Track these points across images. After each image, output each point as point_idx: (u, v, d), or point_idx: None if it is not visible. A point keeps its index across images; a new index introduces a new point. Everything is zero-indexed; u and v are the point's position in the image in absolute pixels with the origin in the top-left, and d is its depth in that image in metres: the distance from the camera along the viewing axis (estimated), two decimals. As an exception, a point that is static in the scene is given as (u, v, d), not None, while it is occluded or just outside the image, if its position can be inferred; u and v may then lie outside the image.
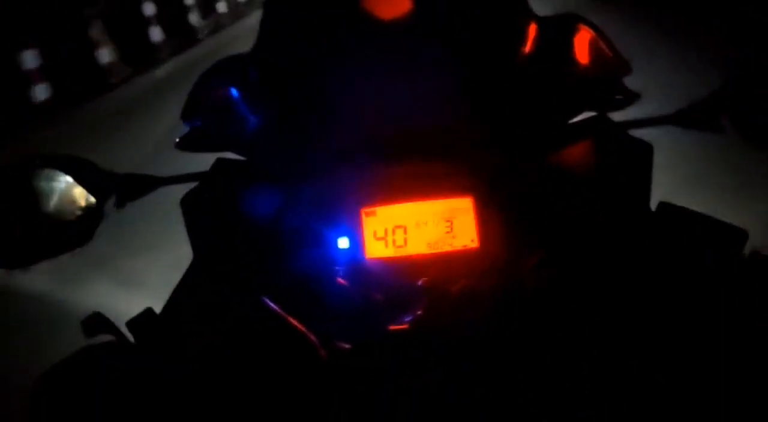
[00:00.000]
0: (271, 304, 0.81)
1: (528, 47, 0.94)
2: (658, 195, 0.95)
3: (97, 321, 0.83)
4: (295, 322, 0.79)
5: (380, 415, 0.75)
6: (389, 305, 0.82)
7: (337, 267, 0.87)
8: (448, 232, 0.88)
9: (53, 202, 0.92)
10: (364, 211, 0.88)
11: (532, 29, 0.95)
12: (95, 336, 0.83)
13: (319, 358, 0.76)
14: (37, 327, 2.34)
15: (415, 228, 0.88)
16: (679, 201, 0.90)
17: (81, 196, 0.94)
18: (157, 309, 0.87)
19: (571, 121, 0.97)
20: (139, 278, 2.39)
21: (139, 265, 2.54)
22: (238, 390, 0.75)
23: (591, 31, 0.96)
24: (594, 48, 0.96)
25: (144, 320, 0.84)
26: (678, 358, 0.78)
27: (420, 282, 0.80)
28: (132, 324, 0.84)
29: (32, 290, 2.46)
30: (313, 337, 0.76)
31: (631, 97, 0.96)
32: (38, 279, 2.45)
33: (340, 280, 0.85)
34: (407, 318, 0.78)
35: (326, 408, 0.75)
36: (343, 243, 0.88)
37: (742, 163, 1.95)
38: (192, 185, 1.00)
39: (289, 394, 0.76)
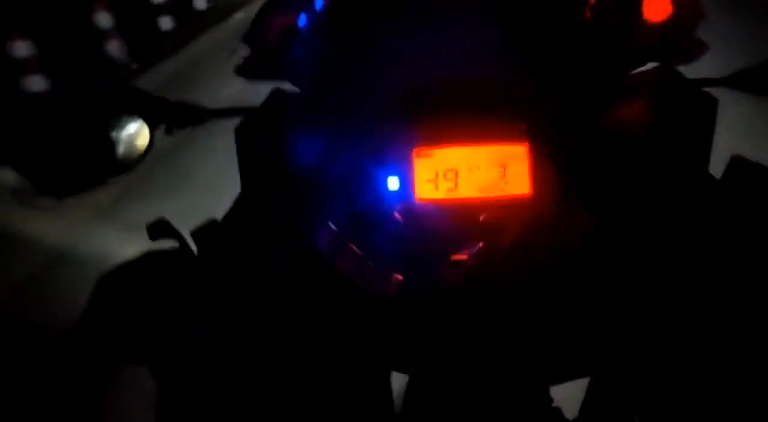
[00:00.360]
0: (324, 242, 0.80)
1: None
2: (719, 152, 0.92)
3: (162, 227, 0.83)
4: (345, 264, 0.79)
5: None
6: (442, 245, 0.81)
7: (388, 208, 0.85)
8: (501, 178, 0.86)
9: (105, 129, 0.92)
10: (415, 151, 0.86)
11: None
12: (158, 239, 0.83)
13: (367, 302, 0.76)
14: (43, 276, 2.34)
15: (467, 171, 0.86)
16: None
17: (131, 121, 0.94)
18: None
19: (634, 72, 0.94)
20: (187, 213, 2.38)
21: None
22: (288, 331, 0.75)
23: None
24: None
25: (208, 230, 0.84)
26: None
27: (474, 224, 0.79)
28: (196, 234, 0.83)
29: (39, 240, 2.46)
30: (366, 271, 0.75)
31: (700, 49, 0.92)
32: (44, 229, 2.44)
33: (392, 218, 0.84)
34: (460, 264, 0.77)
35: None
36: (393, 183, 0.86)
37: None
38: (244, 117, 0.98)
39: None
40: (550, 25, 0.90)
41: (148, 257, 0.81)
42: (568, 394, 0.87)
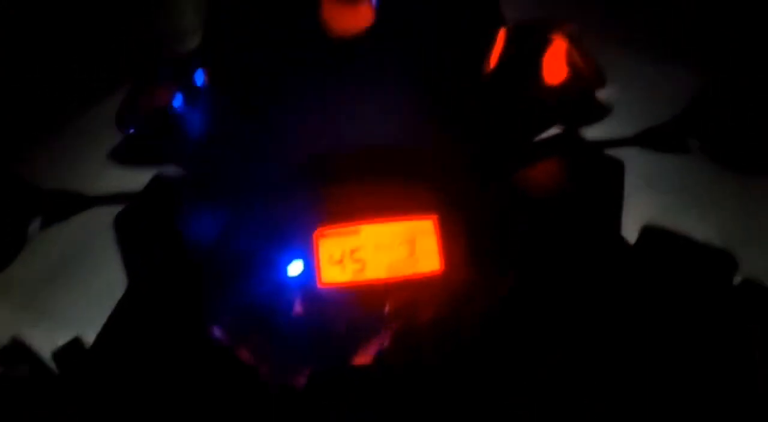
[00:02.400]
0: (219, 334, 0.73)
1: (494, 57, 0.89)
2: (630, 214, 0.91)
3: (15, 350, 0.74)
4: (244, 354, 0.72)
5: None
6: (351, 336, 0.75)
7: (290, 295, 0.79)
8: (410, 255, 0.81)
9: None
10: (318, 231, 0.80)
11: (501, 38, 0.90)
12: (13, 366, 0.74)
13: (270, 395, 0.69)
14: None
15: (374, 250, 0.81)
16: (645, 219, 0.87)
17: (3, 214, 0.85)
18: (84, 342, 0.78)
19: (539, 137, 0.92)
20: (64, 309, 2.20)
21: (65, 294, 2.34)
22: None
23: (566, 38, 0.91)
24: (568, 58, 0.91)
25: (71, 351, 0.76)
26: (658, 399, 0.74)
27: (384, 310, 0.73)
28: (57, 355, 0.75)
29: None
30: (264, 369, 0.68)
31: (602, 112, 0.91)
32: None
33: (293, 309, 0.77)
34: (371, 351, 0.71)
35: None
36: (296, 268, 0.80)
37: (712, 182, 1.94)
38: (126, 205, 0.90)
39: None
40: (451, 92, 0.88)
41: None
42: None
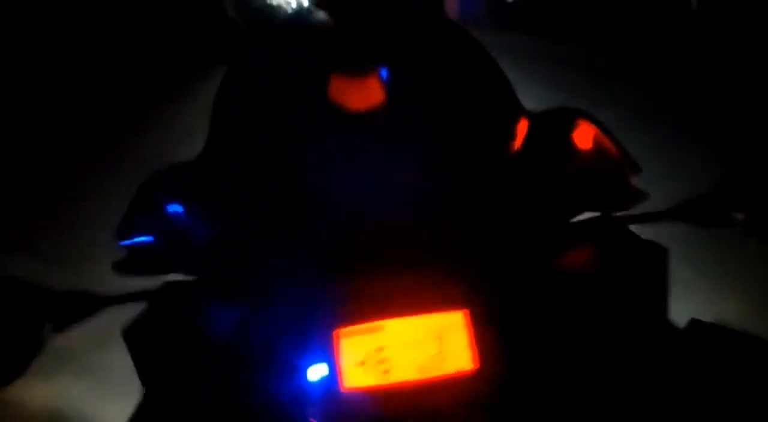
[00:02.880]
0: None
1: (518, 141, 0.86)
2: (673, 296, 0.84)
3: None
4: None
5: None
6: None
7: (309, 403, 0.72)
8: (438, 353, 0.75)
9: None
10: (339, 331, 0.74)
11: (523, 125, 0.88)
12: None
13: None
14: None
15: (399, 349, 0.75)
16: (692, 300, 0.81)
17: (16, 323, 0.82)
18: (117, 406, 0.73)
19: (573, 222, 0.87)
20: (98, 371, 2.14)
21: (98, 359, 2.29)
22: None
23: (592, 125, 0.88)
24: (596, 144, 0.88)
25: None
26: None
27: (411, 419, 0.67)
28: None
29: None
30: None
31: (638, 197, 0.87)
32: None
33: (315, 415, 0.71)
34: None
35: None
36: (316, 372, 0.74)
37: (756, 259, 1.85)
38: (136, 307, 0.86)
39: None
40: (474, 173, 0.85)
41: None
42: None
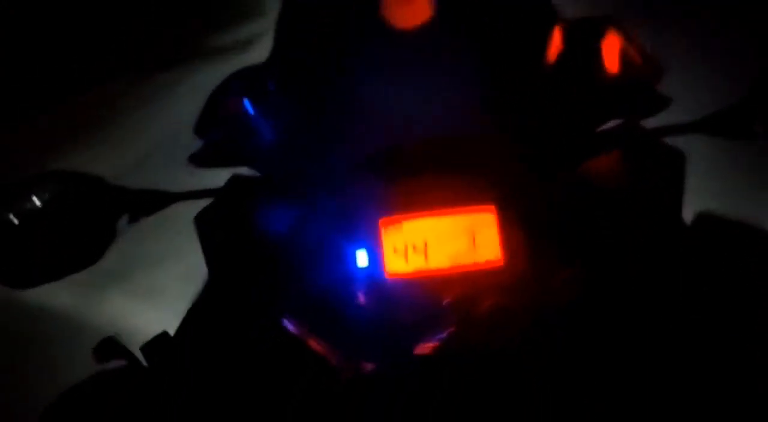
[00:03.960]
0: (291, 325, 0.78)
1: (553, 52, 0.91)
2: (690, 203, 0.91)
3: (110, 347, 0.81)
4: (315, 344, 0.76)
5: None
6: (414, 326, 0.78)
7: (357, 286, 0.83)
8: (471, 246, 0.84)
9: (66, 221, 0.90)
10: (382, 224, 0.84)
11: (558, 33, 0.92)
12: (108, 362, 0.81)
13: (340, 381, 0.73)
14: (51, 344, 2.32)
15: (436, 241, 0.84)
16: (712, 209, 0.87)
17: (93, 213, 0.92)
18: (171, 322, 0.85)
19: (600, 129, 0.93)
20: (153, 291, 2.34)
21: (152, 278, 2.50)
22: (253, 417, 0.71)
23: (620, 34, 0.92)
24: (624, 52, 0.92)
25: (158, 344, 0.82)
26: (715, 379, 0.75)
27: (445, 302, 0.76)
28: (146, 348, 0.82)
29: (48, 306, 2.44)
30: (334, 359, 0.72)
31: (662, 103, 0.92)
32: (53, 294, 2.42)
33: (361, 300, 0.81)
34: (434, 340, 0.74)
35: None
36: (362, 258, 0.84)
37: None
38: (206, 201, 0.96)
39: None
40: (511, 83, 0.90)
41: (96, 378, 0.79)
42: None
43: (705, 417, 0.74)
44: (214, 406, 0.73)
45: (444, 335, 0.75)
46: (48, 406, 0.76)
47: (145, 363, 0.81)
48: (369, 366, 0.77)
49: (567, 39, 0.91)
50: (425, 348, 0.77)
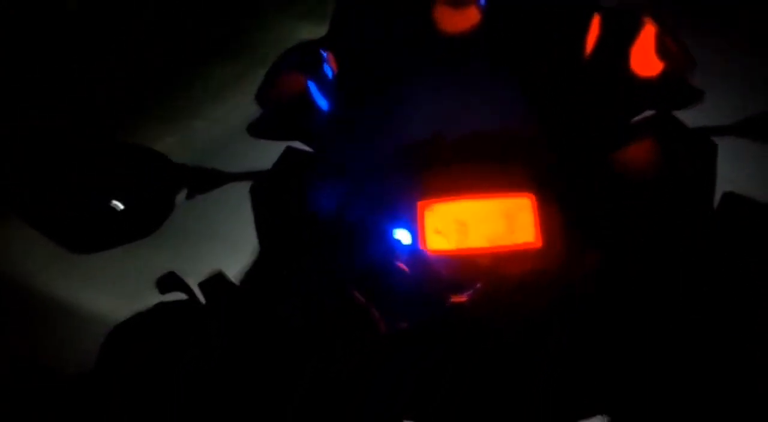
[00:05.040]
0: (341, 283, 0.83)
1: (590, 42, 0.94)
2: (721, 193, 0.93)
3: (171, 280, 0.87)
4: (360, 299, 0.81)
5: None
6: (448, 282, 0.83)
7: (398, 255, 0.88)
8: (508, 228, 0.88)
9: (126, 191, 0.96)
10: (425, 205, 0.88)
11: (596, 23, 0.95)
12: (168, 292, 0.86)
13: (380, 332, 0.78)
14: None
15: (475, 223, 0.88)
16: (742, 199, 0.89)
17: (153, 186, 0.98)
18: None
19: (634, 120, 0.97)
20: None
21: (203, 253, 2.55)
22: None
23: (656, 25, 0.95)
24: (659, 43, 0.95)
25: (214, 282, 0.88)
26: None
27: (481, 267, 0.81)
28: (204, 285, 0.88)
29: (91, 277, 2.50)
30: (375, 313, 0.77)
31: (695, 95, 0.95)
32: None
33: (401, 265, 0.86)
34: (466, 292, 0.78)
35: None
36: (405, 236, 0.89)
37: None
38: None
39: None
40: (553, 78, 0.94)
41: (157, 309, 0.85)
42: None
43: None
44: (257, 352, 0.79)
45: (476, 287, 0.79)
46: (109, 333, 0.82)
47: (202, 300, 0.86)
48: (404, 323, 0.82)
49: (604, 29, 0.95)
50: (458, 298, 0.81)
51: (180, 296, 0.87)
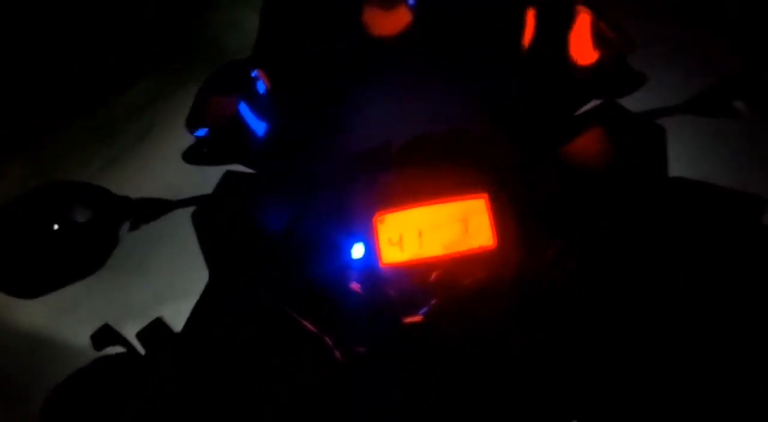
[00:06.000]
0: (291, 313, 0.80)
1: (527, 37, 0.93)
2: (671, 177, 0.93)
3: (106, 334, 0.84)
4: (311, 328, 0.79)
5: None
6: (403, 301, 0.81)
7: (351, 274, 0.86)
8: (464, 233, 0.86)
9: (68, 230, 0.92)
10: (377, 217, 0.86)
11: (531, 17, 0.94)
12: (104, 348, 0.83)
13: (335, 360, 0.76)
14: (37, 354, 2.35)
15: (430, 231, 0.86)
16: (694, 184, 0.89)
17: (95, 222, 0.94)
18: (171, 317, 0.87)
19: (580, 110, 0.96)
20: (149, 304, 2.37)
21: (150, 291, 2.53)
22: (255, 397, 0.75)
23: (590, 12, 0.94)
24: (594, 30, 0.94)
25: (153, 331, 0.84)
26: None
27: (432, 278, 0.79)
28: (141, 334, 0.84)
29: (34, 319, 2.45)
30: (329, 341, 0.75)
31: (639, 82, 0.94)
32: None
33: (354, 286, 0.84)
34: (421, 311, 0.77)
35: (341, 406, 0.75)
36: (358, 250, 0.87)
37: (759, 145, 1.90)
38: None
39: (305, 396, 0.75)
40: (491, 74, 0.93)
41: (95, 365, 0.82)
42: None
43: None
44: (210, 393, 0.76)
45: (430, 305, 0.77)
46: (49, 393, 0.79)
47: (141, 351, 0.83)
48: (362, 349, 0.80)
49: (539, 21, 0.94)
50: (413, 319, 0.79)
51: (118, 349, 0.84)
